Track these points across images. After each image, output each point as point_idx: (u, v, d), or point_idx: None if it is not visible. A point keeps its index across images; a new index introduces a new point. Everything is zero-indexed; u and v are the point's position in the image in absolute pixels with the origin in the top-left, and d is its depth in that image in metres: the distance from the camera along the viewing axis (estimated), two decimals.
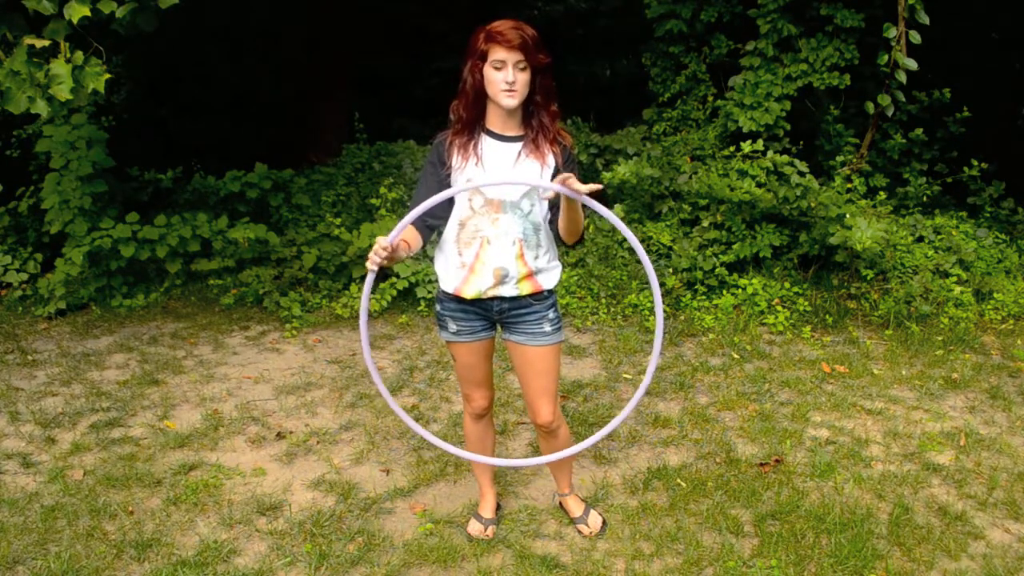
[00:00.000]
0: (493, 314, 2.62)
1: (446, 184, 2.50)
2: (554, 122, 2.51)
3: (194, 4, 4.63)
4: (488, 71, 2.39)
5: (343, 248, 5.70)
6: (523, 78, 2.39)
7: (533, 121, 2.50)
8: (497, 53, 2.35)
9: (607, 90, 10.14)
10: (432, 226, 2.55)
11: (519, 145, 2.50)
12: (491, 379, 2.81)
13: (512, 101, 2.41)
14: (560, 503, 3.10)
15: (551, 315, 2.62)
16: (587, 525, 2.96)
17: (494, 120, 2.50)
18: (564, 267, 5.77)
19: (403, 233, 2.38)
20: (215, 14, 8.19)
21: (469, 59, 2.42)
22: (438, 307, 2.68)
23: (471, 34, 2.43)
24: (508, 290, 2.54)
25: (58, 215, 5.57)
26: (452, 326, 2.65)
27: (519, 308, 2.59)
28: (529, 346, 2.62)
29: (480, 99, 2.45)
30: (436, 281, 2.83)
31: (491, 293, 2.54)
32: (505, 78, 2.36)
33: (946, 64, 7.43)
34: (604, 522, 3.00)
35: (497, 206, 2.47)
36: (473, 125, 2.49)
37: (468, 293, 2.54)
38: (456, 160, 2.49)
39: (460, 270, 2.54)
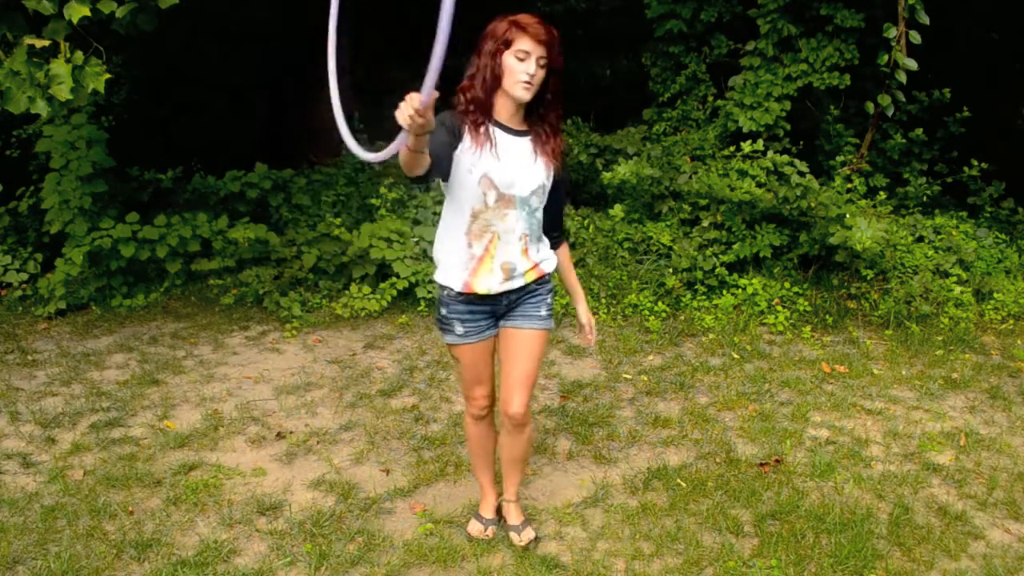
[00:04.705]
0: (501, 308, 2.64)
1: (452, 151, 2.38)
2: (558, 124, 2.55)
3: (194, 4, 4.63)
4: (510, 59, 2.37)
5: (343, 248, 5.70)
6: (541, 75, 2.40)
7: (544, 121, 2.51)
8: (523, 43, 2.34)
9: (607, 90, 10.13)
10: (434, 163, 2.23)
11: (528, 140, 2.52)
12: (493, 375, 2.81)
13: (527, 95, 2.40)
14: (500, 505, 3.01)
15: (549, 300, 2.69)
16: (519, 536, 2.89)
17: (502, 112, 2.48)
18: None
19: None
20: (215, 14, 8.18)
21: (489, 43, 2.38)
22: (443, 311, 2.63)
23: (492, 20, 2.40)
24: (516, 283, 2.58)
25: (58, 215, 5.57)
26: (459, 328, 2.63)
27: (524, 294, 2.65)
28: (523, 328, 2.65)
29: (496, 85, 2.42)
30: (435, 282, 2.66)
31: (499, 289, 2.56)
32: (527, 70, 2.36)
33: (946, 64, 7.43)
34: (536, 538, 2.91)
35: (509, 201, 2.49)
36: (485, 109, 2.45)
37: (479, 288, 2.54)
38: (468, 141, 2.43)
39: (470, 262, 2.53)
